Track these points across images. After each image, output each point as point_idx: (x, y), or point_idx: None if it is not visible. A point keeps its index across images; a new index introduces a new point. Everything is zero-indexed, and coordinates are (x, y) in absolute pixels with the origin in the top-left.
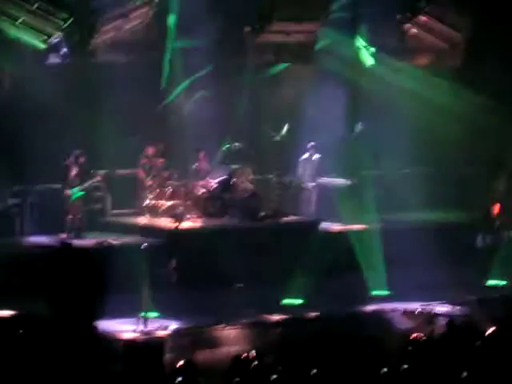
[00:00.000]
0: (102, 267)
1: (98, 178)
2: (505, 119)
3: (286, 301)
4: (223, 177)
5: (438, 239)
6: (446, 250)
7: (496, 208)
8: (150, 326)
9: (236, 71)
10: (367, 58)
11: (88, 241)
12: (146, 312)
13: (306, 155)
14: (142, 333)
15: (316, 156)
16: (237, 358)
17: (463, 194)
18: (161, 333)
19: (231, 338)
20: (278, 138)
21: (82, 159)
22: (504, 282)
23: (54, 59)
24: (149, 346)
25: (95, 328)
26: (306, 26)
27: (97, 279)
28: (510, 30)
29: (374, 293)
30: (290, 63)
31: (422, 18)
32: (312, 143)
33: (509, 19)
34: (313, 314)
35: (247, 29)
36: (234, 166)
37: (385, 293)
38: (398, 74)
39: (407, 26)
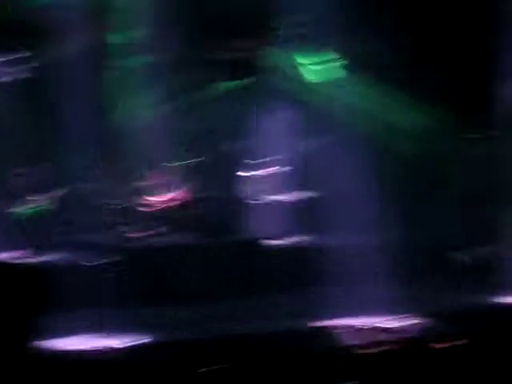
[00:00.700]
0: (42, 285)
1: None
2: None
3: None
4: (176, 193)
5: (388, 254)
6: (398, 266)
7: None
8: (99, 344)
9: (186, 88)
10: (313, 73)
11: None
12: (95, 329)
13: (259, 171)
14: (90, 350)
15: (267, 171)
16: None
17: (416, 209)
18: (109, 350)
19: None
20: (226, 154)
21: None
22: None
23: None
24: (96, 364)
25: (32, 347)
26: (251, 42)
27: (34, 297)
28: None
29: (327, 308)
30: (237, 79)
31: (373, 32)
32: (264, 159)
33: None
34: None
35: (194, 45)
36: (186, 182)
37: (332, 309)
38: (347, 88)
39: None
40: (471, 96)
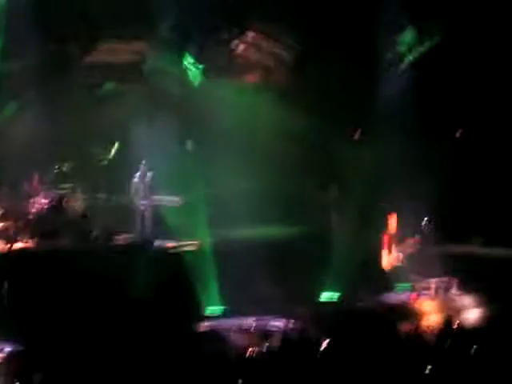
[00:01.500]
0: None
1: None
2: (331, 136)
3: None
4: (54, 198)
5: (270, 254)
6: (279, 264)
7: None
8: None
9: (64, 92)
10: (196, 76)
11: None
12: None
13: (138, 174)
14: None
15: (148, 175)
16: None
17: (294, 209)
18: None
19: None
20: (107, 158)
21: None
22: (336, 295)
23: None
24: None
25: None
26: (133, 46)
27: None
28: (336, 49)
29: (208, 311)
30: (119, 82)
31: (250, 36)
32: (143, 162)
33: (334, 38)
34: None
35: (74, 49)
36: (65, 187)
37: (219, 311)
38: (227, 91)
39: (235, 43)
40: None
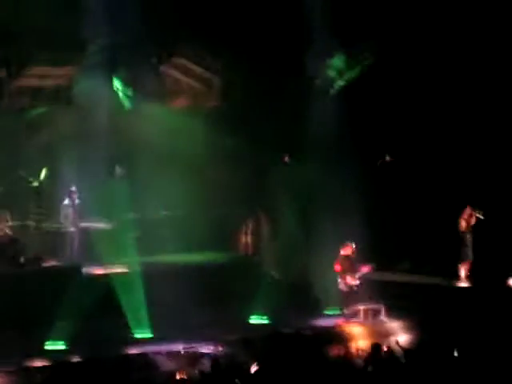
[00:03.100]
0: None
1: None
2: (261, 160)
3: (49, 346)
4: None
5: (199, 279)
6: (208, 289)
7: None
8: None
9: None
10: (125, 100)
11: None
12: None
13: (67, 200)
14: None
15: (77, 200)
16: None
17: (223, 234)
18: None
19: None
20: (35, 183)
21: None
22: (265, 320)
23: None
24: None
25: None
26: (62, 70)
27: None
28: (266, 73)
29: (137, 335)
30: (48, 107)
31: (179, 60)
32: (73, 188)
33: (264, 62)
34: (76, 359)
35: (2, 73)
36: None
37: (148, 335)
38: (156, 116)
39: (164, 67)
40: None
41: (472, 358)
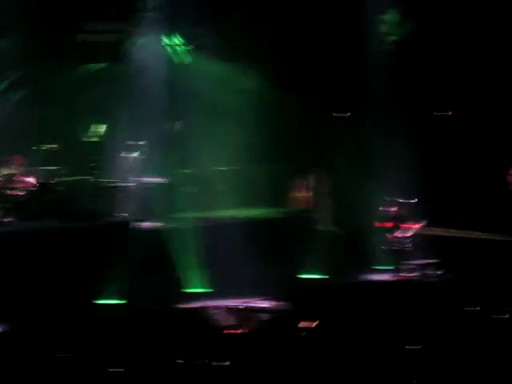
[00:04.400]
0: None
1: None
2: (314, 115)
3: (103, 301)
4: (39, 179)
5: (255, 235)
6: (264, 245)
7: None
8: None
9: (49, 72)
10: (183, 56)
11: None
12: None
13: (124, 154)
14: None
15: (134, 155)
16: None
17: (279, 189)
18: None
19: None
20: (95, 139)
21: None
22: (321, 275)
23: None
24: None
25: None
26: (119, 25)
27: None
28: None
29: (194, 290)
30: (106, 63)
31: (232, 16)
32: (130, 142)
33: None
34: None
35: (59, 29)
36: (51, 168)
37: (205, 290)
38: (214, 71)
39: (218, 23)
40: None
41: None
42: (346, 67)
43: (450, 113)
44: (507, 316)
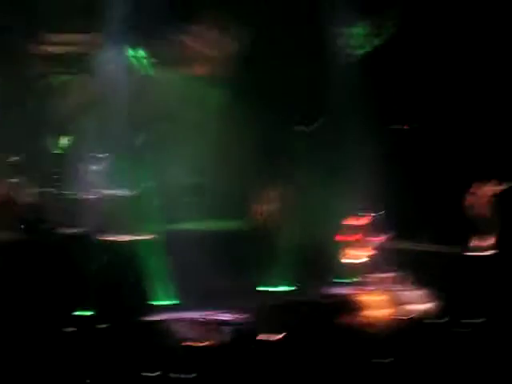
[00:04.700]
0: None
1: None
2: (280, 128)
3: (77, 312)
4: (4, 190)
5: (218, 247)
6: (226, 257)
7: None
8: None
9: (11, 83)
10: (145, 67)
11: None
12: None
13: (89, 167)
14: None
15: (96, 167)
16: None
17: (242, 203)
18: None
19: None
20: (58, 151)
21: None
22: (283, 288)
23: None
24: None
25: None
26: (83, 37)
27: None
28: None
29: (160, 303)
30: (69, 74)
31: (196, 28)
32: (94, 154)
33: (283, 30)
34: (102, 326)
35: (23, 39)
36: (13, 180)
37: (171, 302)
38: (176, 83)
39: (182, 35)
40: None
41: (496, 326)
42: (310, 79)
43: (416, 126)
44: (469, 329)
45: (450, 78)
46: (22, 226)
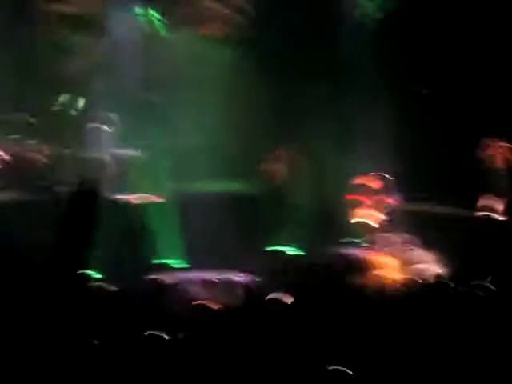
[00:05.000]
0: None
1: None
2: (291, 90)
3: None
4: (16, 151)
5: (231, 208)
6: (239, 218)
7: None
8: None
9: (26, 42)
10: (160, 27)
11: None
12: None
13: (99, 127)
14: None
15: (109, 128)
16: None
17: (255, 162)
18: None
19: None
20: (73, 112)
21: None
22: (295, 250)
23: None
24: None
25: None
26: None
27: None
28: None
29: (170, 263)
30: (81, 34)
31: None
32: (105, 115)
33: None
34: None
35: None
36: (27, 141)
37: (181, 264)
38: (191, 43)
39: None
40: None
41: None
42: (322, 44)
43: (431, 89)
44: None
45: (469, 39)
46: (38, 186)
